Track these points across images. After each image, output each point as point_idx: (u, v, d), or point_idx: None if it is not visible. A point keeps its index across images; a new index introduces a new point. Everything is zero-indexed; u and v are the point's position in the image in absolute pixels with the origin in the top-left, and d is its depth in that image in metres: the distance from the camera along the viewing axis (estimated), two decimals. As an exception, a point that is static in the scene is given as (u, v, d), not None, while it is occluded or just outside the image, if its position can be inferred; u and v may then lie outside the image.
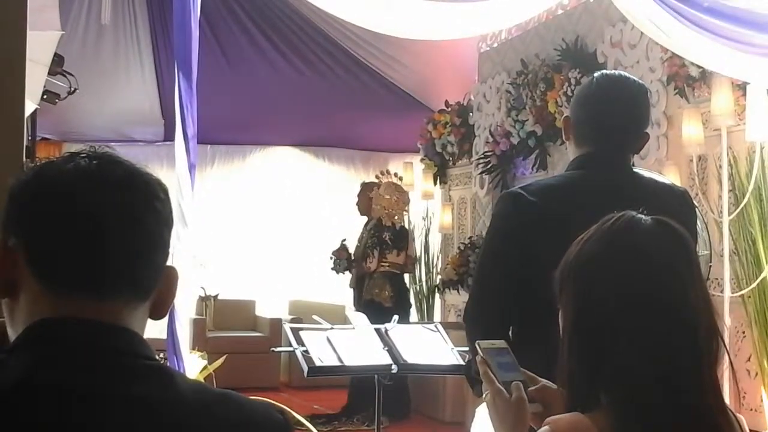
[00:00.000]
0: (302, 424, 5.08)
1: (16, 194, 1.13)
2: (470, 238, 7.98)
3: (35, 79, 4.93)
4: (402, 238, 7.66)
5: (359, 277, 7.76)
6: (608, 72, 2.62)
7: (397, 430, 6.88)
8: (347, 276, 7.98)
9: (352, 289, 7.95)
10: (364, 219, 8.02)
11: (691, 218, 2.43)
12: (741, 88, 4.86)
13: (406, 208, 7.88)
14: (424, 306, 8.71)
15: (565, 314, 1.50)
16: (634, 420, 1.39)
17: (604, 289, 1.44)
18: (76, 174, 1.11)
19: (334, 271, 8.02)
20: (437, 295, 8.62)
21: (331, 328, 4.10)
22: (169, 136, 7.54)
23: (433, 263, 8.89)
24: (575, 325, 1.47)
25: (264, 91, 8.99)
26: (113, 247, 1.10)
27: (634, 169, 2.48)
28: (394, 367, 3.99)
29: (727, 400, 1.52)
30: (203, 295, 9.17)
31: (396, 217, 7.67)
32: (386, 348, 4.06)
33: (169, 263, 1.18)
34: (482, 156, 7.72)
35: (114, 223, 1.10)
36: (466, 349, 3.12)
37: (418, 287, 8.75)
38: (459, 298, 7.93)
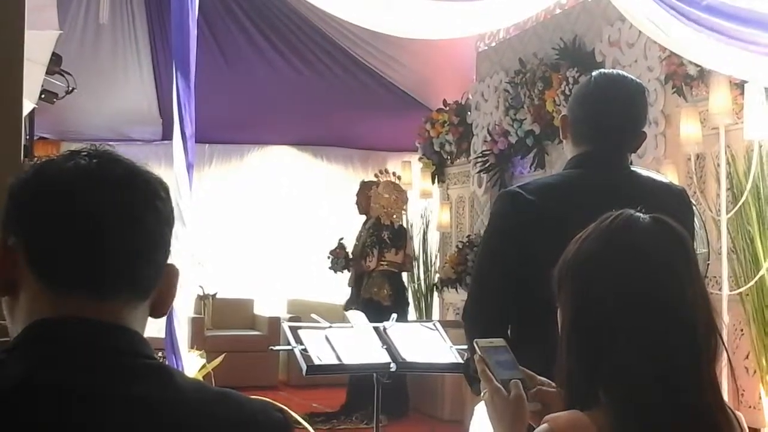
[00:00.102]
0: (300, 424, 5.08)
1: (16, 193, 1.12)
2: (468, 236, 7.99)
3: (33, 78, 4.93)
4: (400, 237, 7.67)
5: (358, 276, 7.76)
6: (606, 71, 2.62)
7: (396, 429, 6.88)
8: (345, 275, 7.98)
9: (350, 288, 7.95)
10: (363, 218, 8.02)
11: (688, 217, 2.43)
12: (739, 86, 4.86)
13: (405, 207, 7.89)
14: (423, 304, 8.71)
15: (564, 313, 1.50)
16: (633, 419, 1.39)
17: (602, 287, 1.44)
18: (76, 173, 1.11)
19: (332, 270, 8.02)
20: (436, 294, 8.62)
21: (330, 327, 4.10)
22: (167, 136, 7.53)
23: (431, 262, 8.89)
24: (574, 323, 1.47)
25: (262, 91, 8.98)
26: (113, 246, 1.09)
27: (632, 168, 2.49)
28: (392, 365, 3.99)
29: (725, 397, 1.52)
30: (202, 294, 9.17)
31: (395, 216, 7.67)
32: (385, 346, 4.06)
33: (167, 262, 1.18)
34: (480, 155, 7.72)
35: (114, 222, 1.09)
36: (465, 347, 3.13)
37: (416, 286, 8.76)
38: (457, 297, 7.93)
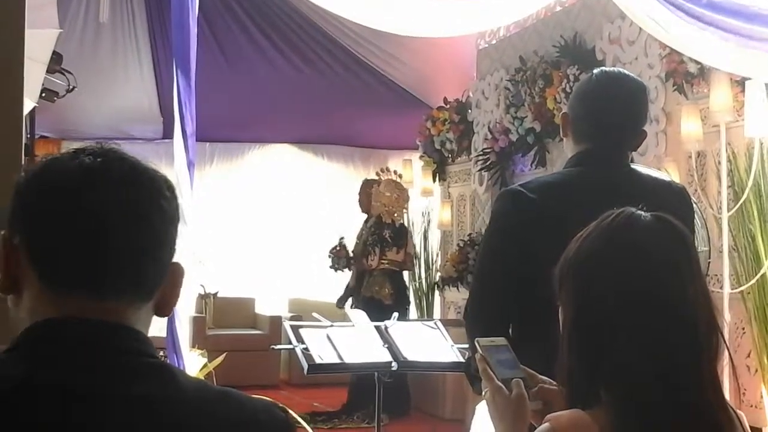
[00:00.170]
0: (300, 424, 5.08)
1: (20, 191, 1.12)
2: (469, 235, 7.98)
3: (34, 77, 4.93)
4: (402, 235, 7.67)
5: (359, 275, 7.76)
6: (607, 69, 2.62)
7: (398, 428, 6.88)
8: (347, 274, 7.98)
9: (346, 286, 7.95)
10: (363, 216, 8.02)
11: (689, 215, 2.43)
12: (740, 84, 4.86)
13: (406, 206, 7.89)
14: (424, 303, 8.71)
15: (565, 311, 1.50)
16: (634, 417, 1.39)
17: (603, 286, 1.44)
18: (80, 171, 1.10)
19: (333, 270, 8.02)
20: (437, 293, 8.62)
21: (331, 326, 4.10)
22: (167, 134, 7.53)
23: (432, 260, 8.89)
24: (575, 322, 1.47)
25: (263, 89, 8.98)
26: (116, 246, 1.09)
27: (632, 166, 2.49)
28: (394, 364, 3.99)
29: (727, 396, 1.52)
30: (203, 292, 9.17)
31: (396, 215, 7.67)
32: (386, 345, 4.06)
33: None
34: (481, 153, 7.72)
35: (117, 220, 1.09)
36: (466, 346, 3.12)
37: (417, 284, 8.75)
38: (458, 295, 7.93)
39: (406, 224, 7.95)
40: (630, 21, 5.15)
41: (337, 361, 3.95)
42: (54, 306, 1.08)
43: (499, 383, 1.64)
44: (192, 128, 3.75)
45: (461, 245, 7.95)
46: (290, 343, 4.01)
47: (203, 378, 4.08)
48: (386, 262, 7.52)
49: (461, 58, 8.36)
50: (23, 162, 3.00)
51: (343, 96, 9.09)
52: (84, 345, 1.06)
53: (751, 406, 4.86)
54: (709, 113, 5.08)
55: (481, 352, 1.71)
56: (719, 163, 5.06)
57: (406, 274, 8.01)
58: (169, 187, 1.16)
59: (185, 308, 3.87)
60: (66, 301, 1.08)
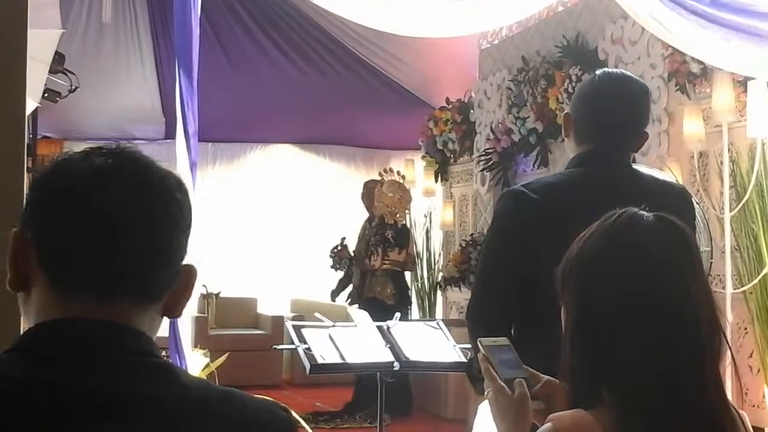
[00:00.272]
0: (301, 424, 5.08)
1: (33, 188, 1.12)
2: (472, 235, 7.98)
3: (36, 77, 4.93)
4: (404, 236, 7.68)
5: (361, 275, 7.77)
6: (610, 70, 2.62)
7: (400, 428, 6.88)
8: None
9: (339, 282, 7.97)
10: (364, 216, 8.02)
11: (690, 216, 2.44)
12: (742, 84, 4.86)
13: (409, 207, 7.89)
14: (426, 303, 8.71)
15: (567, 311, 1.50)
16: (636, 417, 1.39)
17: (605, 286, 1.44)
18: (90, 172, 1.10)
19: (333, 269, 8.02)
20: (439, 293, 8.62)
21: (333, 326, 4.10)
22: (170, 134, 7.55)
23: (434, 260, 8.89)
24: (577, 322, 1.47)
25: (265, 89, 8.98)
26: (125, 248, 1.08)
27: (634, 167, 2.49)
28: (396, 364, 3.99)
29: (729, 396, 1.52)
30: (205, 293, 9.17)
31: (398, 215, 7.68)
32: (388, 345, 4.06)
33: None
34: (483, 153, 7.72)
35: (127, 222, 1.08)
36: (468, 346, 3.13)
37: (419, 284, 8.75)
38: (461, 295, 7.93)
39: (408, 225, 7.96)
40: (632, 21, 5.15)
41: (340, 361, 3.95)
42: (60, 306, 1.08)
43: (502, 383, 1.64)
44: (194, 128, 3.75)
45: (463, 245, 7.95)
46: (292, 343, 4.01)
47: (205, 378, 4.08)
48: (388, 262, 7.53)
49: (463, 59, 8.35)
50: (25, 162, 3.01)
51: (345, 96, 9.10)
52: (86, 345, 1.06)
53: (754, 406, 4.86)
54: (711, 113, 5.08)
55: (483, 352, 1.71)
56: (721, 163, 5.06)
57: (408, 274, 8.01)
58: (182, 189, 1.15)
59: (187, 308, 3.87)
60: (72, 301, 1.08)
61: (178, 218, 1.13)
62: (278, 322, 8.90)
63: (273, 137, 10.21)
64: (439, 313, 8.55)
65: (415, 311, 8.44)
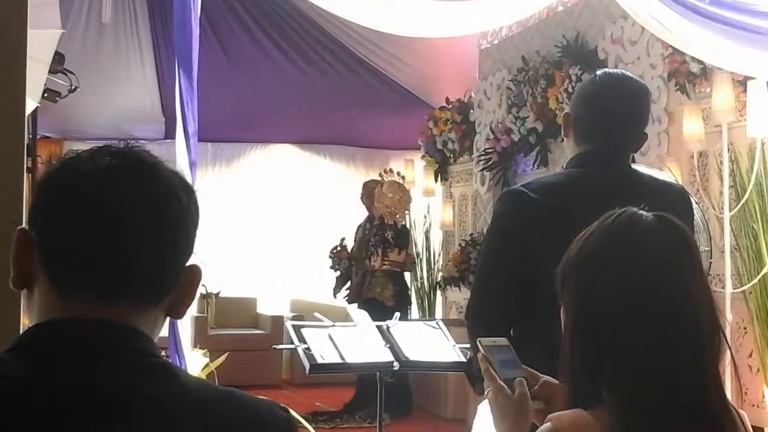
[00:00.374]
0: (302, 423, 5.08)
1: (39, 187, 1.12)
2: (471, 235, 7.99)
3: (36, 77, 4.93)
4: (403, 236, 7.69)
5: (361, 275, 7.76)
6: (610, 70, 2.63)
7: (399, 427, 6.88)
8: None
9: (351, 284, 7.96)
10: (364, 216, 8.02)
11: (689, 216, 2.44)
12: (742, 84, 4.86)
13: (408, 207, 7.89)
14: (426, 303, 8.71)
15: (567, 311, 1.50)
16: (636, 417, 1.39)
17: (604, 286, 1.44)
18: (95, 172, 1.09)
19: (333, 270, 8.02)
20: (439, 292, 8.62)
21: (333, 326, 4.10)
22: (170, 134, 7.54)
23: (434, 260, 8.89)
24: (576, 322, 1.47)
25: (265, 89, 8.98)
26: (127, 248, 1.08)
27: (633, 167, 2.49)
28: (395, 364, 3.99)
29: (728, 396, 1.52)
30: (205, 292, 9.17)
31: (398, 216, 7.68)
32: (388, 345, 4.06)
33: None
34: (483, 153, 7.72)
35: (130, 223, 1.08)
36: (468, 346, 3.13)
37: (419, 284, 8.76)
38: (460, 295, 7.93)
39: (408, 226, 7.96)
40: (632, 21, 5.15)
41: (339, 360, 3.95)
42: (61, 306, 1.08)
43: (501, 383, 1.65)
44: (194, 128, 3.75)
45: (463, 245, 7.95)
46: (292, 342, 4.01)
47: (205, 378, 4.08)
48: (388, 263, 7.53)
49: (463, 59, 8.35)
50: (25, 162, 3.01)
51: (345, 96, 9.10)
52: (87, 345, 1.06)
53: (753, 405, 4.86)
54: (711, 113, 5.08)
55: (483, 352, 1.71)
56: (721, 163, 5.06)
57: (407, 275, 8.01)
58: (187, 190, 1.15)
59: (187, 308, 3.86)
60: (74, 301, 1.08)
61: (182, 219, 1.13)
62: (278, 321, 8.89)
63: (273, 137, 10.21)
64: (438, 312, 8.55)
65: (414, 311, 8.44)
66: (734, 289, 4.90)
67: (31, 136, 6.38)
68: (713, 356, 1.43)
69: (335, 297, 8.01)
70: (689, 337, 1.41)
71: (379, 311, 6.16)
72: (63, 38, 5.69)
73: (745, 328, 5.01)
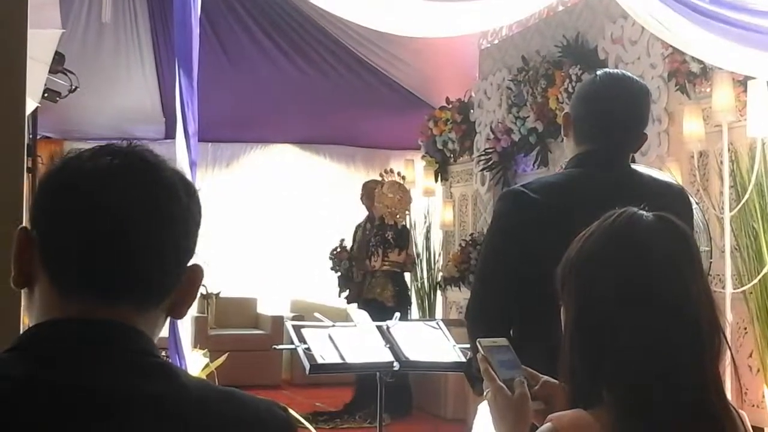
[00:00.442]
0: (302, 423, 5.08)
1: (40, 186, 1.12)
2: (471, 235, 7.99)
3: (36, 77, 4.93)
4: (404, 237, 7.69)
5: (362, 275, 7.76)
6: (610, 70, 2.63)
7: (399, 428, 6.88)
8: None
9: (351, 286, 7.95)
10: (364, 216, 8.02)
11: (689, 215, 2.45)
12: (742, 83, 4.86)
13: (409, 208, 7.89)
14: (426, 303, 8.71)
15: (567, 311, 1.50)
16: (636, 417, 1.39)
17: (604, 286, 1.44)
18: (95, 172, 1.09)
19: (333, 271, 8.02)
20: (439, 292, 8.62)
21: (333, 326, 4.10)
22: (170, 134, 7.54)
23: (434, 260, 8.89)
24: (576, 321, 1.47)
25: (265, 89, 8.98)
26: (127, 248, 1.07)
27: (633, 167, 2.49)
28: (395, 364, 3.99)
29: (728, 396, 1.52)
30: (205, 293, 9.17)
31: (398, 216, 7.68)
32: (388, 345, 4.06)
33: None
34: (483, 153, 7.72)
35: (130, 223, 1.07)
36: (468, 346, 3.13)
37: (419, 284, 8.76)
38: (460, 295, 7.93)
39: (408, 226, 7.96)
40: (632, 21, 5.15)
41: (339, 361, 3.95)
42: (62, 306, 1.08)
43: (501, 383, 1.64)
44: (194, 128, 3.75)
45: (463, 245, 7.95)
46: (292, 343, 4.01)
47: (205, 378, 4.08)
48: (388, 263, 7.53)
49: (463, 58, 8.35)
50: (25, 162, 3.01)
51: (345, 96, 9.09)
52: (87, 345, 1.06)
53: (753, 405, 4.86)
54: (711, 113, 5.08)
55: (482, 352, 1.71)
56: (721, 162, 5.06)
57: (407, 275, 8.01)
58: (189, 189, 1.14)
59: (187, 308, 3.86)
60: (74, 301, 1.07)
61: (183, 219, 1.12)
62: (278, 322, 8.89)
63: (273, 137, 10.21)
64: (438, 313, 8.55)
65: (414, 311, 8.44)
66: (734, 289, 4.90)
67: (31, 136, 6.38)
68: (713, 356, 1.43)
69: (340, 297, 8.00)
70: (689, 337, 1.41)
71: (378, 312, 6.16)
72: (63, 38, 5.69)
73: (745, 329, 5.01)
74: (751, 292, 4.87)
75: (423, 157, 8.92)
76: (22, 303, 1.14)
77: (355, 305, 6.98)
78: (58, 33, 5.36)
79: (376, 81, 9.15)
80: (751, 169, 4.85)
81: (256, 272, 9.84)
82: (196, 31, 3.72)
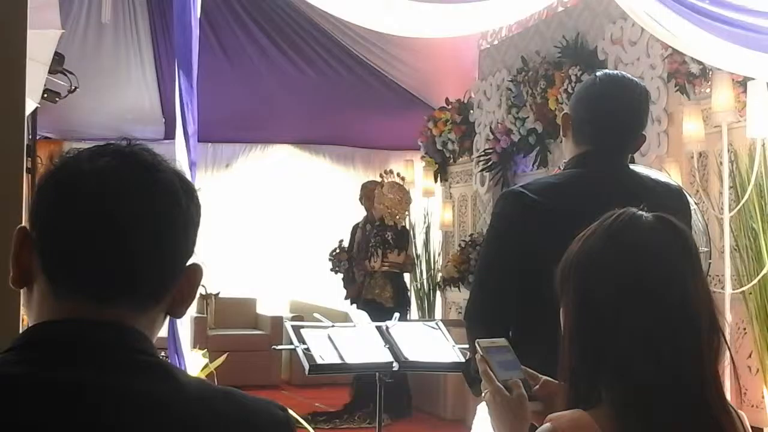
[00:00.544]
0: (301, 424, 5.08)
1: (39, 186, 1.12)
2: (471, 235, 7.98)
3: (36, 77, 4.93)
4: (403, 237, 7.68)
5: (361, 276, 7.76)
6: (610, 72, 2.63)
7: (398, 428, 6.88)
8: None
9: (351, 286, 7.95)
10: (360, 218, 8.02)
11: (687, 216, 2.45)
12: (741, 84, 4.86)
13: (408, 209, 7.89)
14: (425, 304, 8.71)
15: (566, 312, 1.50)
16: (635, 417, 1.39)
17: (604, 286, 1.44)
18: (94, 172, 1.09)
19: (333, 272, 8.02)
20: (438, 293, 8.62)
21: (332, 326, 4.10)
22: (169, 135, 7.52)
23: (434, 261, 8.89)
24: (576, 322, 1.47)
25: (265, 90, 8.99)
26: (125, 249, 1.07)
27: (631, 167, 2.50)
28: (395, 364, 3.99)
29: (728, 396, 1.52)
30: (204, 293, 9.17)
31: (398, 217, 7.68)
32: (387, 346, 4.06)
33: None
34: (483, 153, 7.72)
35: (128, 223, 1.07)
36: (467, 346, 3.13)
37: (419, 285, 8.75)
38: (460, 296, 7.93)
39: (407, 227, 7.96)
40: (632, 21, 5.15)
41: (339, 361, 3.95)
42: (60, 306, 1.08)
43: (499, 384, 1.64)
44: (194, 129, 3.75)
45: (462, 245, 7.95)
46: (291, 343, 4.01)
47: (204, 378, 4.08)
48: (387, 264, 7.52)
49: (463, 59, 8.36)
50: (25, 163, 3.01)
51: (344, 96, 9.10)
52: (86, 345, 1.06)
53: (752, 406, 4.86)
54: (711, 114, 5.08)
55: (481, 353, 1.71)
56: (721, 163, 5.06)
57: (407, 276, 8.01)
58: (187, 190, 1.14)
59: (186, 309, 3.86)
60: (73, 301, 1.07)
61: (182, 218, 1.12)
62: (277, 322, 8.89)
63: (272, 137, 10.20)
64: (438, 313, 8.55)
65: (414, 311, 8.44)
66: (734, 289, 4.90)
67: (30, 136, 6.38)
68: (713, 357, 1.42)
69: (346, 300, 7.99)
70: (689, 338, 1.41)
71: (377, 312, 6.16)
72: (63, 39, 5.69)
73: (745, 329, 5.01)
74: (751, 293, 4.87)
75: (422, 157, 8.92)
76: (22, 303, 1.14)
77: (353, 306, 6.98)
78: (57, 33, 5.37)
79: (376, 81, 9.16)
80: (751, 170, 4.85)
81: (256, 273, 9.84)
82: (195, 31, 3.73)
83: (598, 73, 2.54)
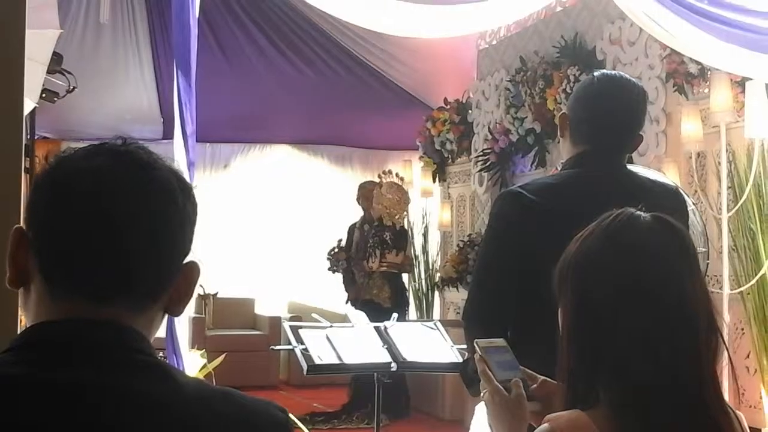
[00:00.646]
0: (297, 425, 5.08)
1: (34, 186, 1.11)
2: (469, 235, 7.98)
3: (34, 77, 4.93)
4: (402, 238, 7.68)
5: (360, 276, 7.75)
6: (608, 72, 2.63)
7: (397, 428, 6.88)
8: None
9: (352, 287, 7.94)
10: (357, 219, 8.02)
11: (684, 216, 2.45)
12: (740, 84, 4.86)
13: (407, 209, 7.89)
14: (424, 304, 8.71)
15: (564, 312, 1.50)
16: (633, 418, 1.39)
17: (602, 286, 1.44)
18: (90, 171, 1.09)
19: (331, 272, 8.02)
20: (437, 293, 8.62)
21: (331, 327, 4.10)
22: (167, 134, 7.53)
23: (432, 261, 8.89)
24: (574, 322, 1.47)
25: (263, 90, 8.98)
26: (121, 248, 1.07)
27: (629, 167, 2.50)
28: (393, 365, 3.99)
29: (726, 397, 1.52)
30: (202, 293, 9.17)
31: (397, 217, 7.67)
32: (386, 346, 4.06)
33: None
34: (481, 153, 7.72)
35: (124, 222, 1.07)
36: (465, 347, 3.13)
37: (417, 285, 8.75)
38: (458, 296, 7.93)
39: (406, 227, 7.95)
40: (630, 22, 5.15)
41: (337, 361, 3.95)
42: (57, 306, 1.07)
43: (498, 384, 1.64)
44: (192, 128, 3.75)
45: (461, 246, 7.95)
46: (290, 343, 4.01)
47: (203, 378, 4.08)
48: (386, 264, 7.52)
49: (461, 59, 8.36)
50: (23, 163, 3.01)
51: (343, 96, 9.10)
52: (84, 345, 1.06)
53: (750, 406, 4.86)
54: (709, 114, 5.09)
55: (480, 353, 1.71)
56: (719, 163, 5.06)
57: (405, 276, 8.01)
58: (183, 188, 1.14)
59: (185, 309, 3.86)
60: (70, 301, 1.07)
61: (178, 217, 1.12)
62: (275, 322, 8.89)
63: (270, 137, 10.21)
64: (436, 313, 8.55)
65: (412, 312, 8.44)
66: (732, 290, 4.90)
67: (29, 136, 6.38)
68: (710, 357, 1.42)
69: (347, 302, 7.99)
70: (687, 338, 1.41)
71: (376, 313, 6.16)
72: (61, 38, 5.69)
73: (743, 329, 5.01)
74: (749, 293, 4.88)
75: (421, 157, 8.92)
76: (19, 303, 1.13)
77: (351, 306, 6.98)
78: (56, 33, 5.37)
79: (374, 81, 9.16)
80: (749, 170, 4.85)
81: (254, 273, 9.83)
82: (194, 31, 3.73)
83: (596, 73, 2.54)
